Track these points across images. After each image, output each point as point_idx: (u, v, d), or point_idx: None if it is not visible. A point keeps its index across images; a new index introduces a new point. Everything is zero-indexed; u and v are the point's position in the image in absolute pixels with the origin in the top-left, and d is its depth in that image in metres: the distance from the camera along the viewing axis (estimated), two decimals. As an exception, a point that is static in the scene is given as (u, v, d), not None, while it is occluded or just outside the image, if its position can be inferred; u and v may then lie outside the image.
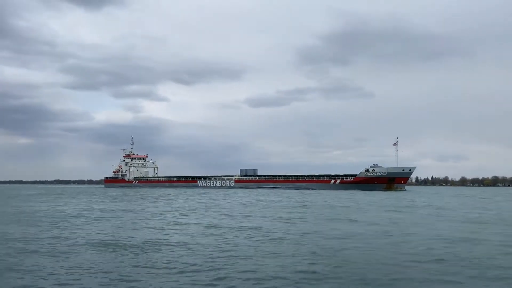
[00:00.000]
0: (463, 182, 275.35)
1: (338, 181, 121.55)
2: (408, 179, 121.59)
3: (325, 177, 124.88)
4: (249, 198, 59.98)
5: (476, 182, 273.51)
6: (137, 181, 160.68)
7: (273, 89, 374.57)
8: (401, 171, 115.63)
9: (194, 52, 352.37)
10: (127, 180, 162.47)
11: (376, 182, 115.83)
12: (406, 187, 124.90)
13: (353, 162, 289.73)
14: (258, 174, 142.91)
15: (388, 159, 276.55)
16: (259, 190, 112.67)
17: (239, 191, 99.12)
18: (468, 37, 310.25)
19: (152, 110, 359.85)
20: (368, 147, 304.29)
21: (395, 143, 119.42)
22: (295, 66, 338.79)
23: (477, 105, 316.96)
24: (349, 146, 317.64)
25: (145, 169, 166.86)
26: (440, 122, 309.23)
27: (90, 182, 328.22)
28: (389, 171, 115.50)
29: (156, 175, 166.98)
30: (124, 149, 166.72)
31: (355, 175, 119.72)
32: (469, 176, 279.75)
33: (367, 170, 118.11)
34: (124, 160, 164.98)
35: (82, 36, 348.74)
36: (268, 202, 49.77)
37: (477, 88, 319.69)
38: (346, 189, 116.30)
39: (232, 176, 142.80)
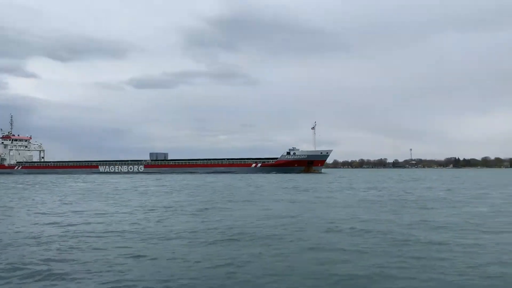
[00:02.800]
0: (336, 164, 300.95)
1: (259, 165, 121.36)
2: (325, 162, 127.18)
3: (245, 160, 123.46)
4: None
5: (346, 164, 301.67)
6: (20, 166, 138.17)
7: (160, 70, 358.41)
8: (319, 154, 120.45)
9: (74, 27, 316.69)
10: (7, 165, 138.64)
11: (296, 165, 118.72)
12: (323, 170, 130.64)
13: (238, 147, 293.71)
14: (170, 158, 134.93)
15: (273, 144, 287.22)
16: (175, 175, 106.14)
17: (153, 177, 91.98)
18: (348, 34, 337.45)
19: (18, 87, 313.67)
20: (253, 132, 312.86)
21: (313, 127, 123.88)
22: (183, 48, 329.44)
23: (350, 96, 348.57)
24: (235, 131, 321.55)
25: (29, 153, 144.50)
26: (318, 110, 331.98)
27: None
28: (308, 154, 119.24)
29: (42, 160, 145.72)
30: (0, 129, 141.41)
31: (276, 158, 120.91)
32: (340, 159, 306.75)
33: (288, 153, 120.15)
34: (2, 142, 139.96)
35: None
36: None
37: (351, 80, 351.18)
38: (267, 172, 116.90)
39: (141, 160, 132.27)
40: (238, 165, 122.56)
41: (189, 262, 10.45)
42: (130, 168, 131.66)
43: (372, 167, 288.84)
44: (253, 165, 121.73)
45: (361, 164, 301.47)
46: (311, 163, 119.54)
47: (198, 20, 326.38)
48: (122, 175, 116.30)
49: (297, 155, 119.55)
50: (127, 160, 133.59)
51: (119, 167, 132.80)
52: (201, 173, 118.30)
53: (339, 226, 15.89)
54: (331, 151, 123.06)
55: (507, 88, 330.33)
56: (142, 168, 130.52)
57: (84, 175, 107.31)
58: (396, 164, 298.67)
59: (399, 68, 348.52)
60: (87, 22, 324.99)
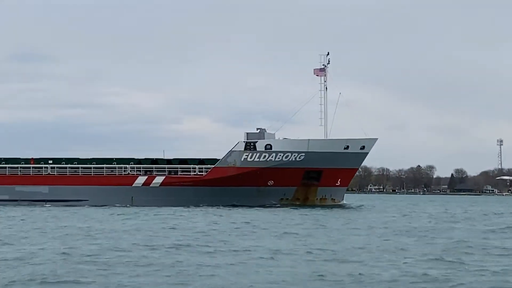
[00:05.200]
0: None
1: (158, 180, 42.75)
2: (355, 174, 49.86)
3: (115, 168, 45.50)
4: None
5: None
6: None
7: None
8: (342, 150, 41.81)
9: None
10: None
11: (270, 184, 40.19)
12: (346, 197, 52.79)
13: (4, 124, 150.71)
14: None
15: (115, 114, 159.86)
16: None
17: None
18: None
19: None
20: (55, 80, 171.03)
21: (322, 67, 46.39)
22: None
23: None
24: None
25: None
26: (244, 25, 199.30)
27: None
28: (311, 150, 40.76)
29: None
30: None
31: (215, 160, 42.97)
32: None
33: (248, 145, 41.72)
34: None
35: None
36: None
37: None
38: (182, 204, 38.73)
39: None
40: (90, 181, 44.00)
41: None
42: None
43: (394, 192, 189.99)
44: (139, 180, 42.88)
45: (363, 185, 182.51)
46: (316, 178, 41.36)
47: None
48: None
49: (277, 151, 41.13)
50: None
51: None
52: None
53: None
54: (375, 140, 44.74)
55: None
56: None
57: None
58: (454, 185, 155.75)
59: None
60: None
